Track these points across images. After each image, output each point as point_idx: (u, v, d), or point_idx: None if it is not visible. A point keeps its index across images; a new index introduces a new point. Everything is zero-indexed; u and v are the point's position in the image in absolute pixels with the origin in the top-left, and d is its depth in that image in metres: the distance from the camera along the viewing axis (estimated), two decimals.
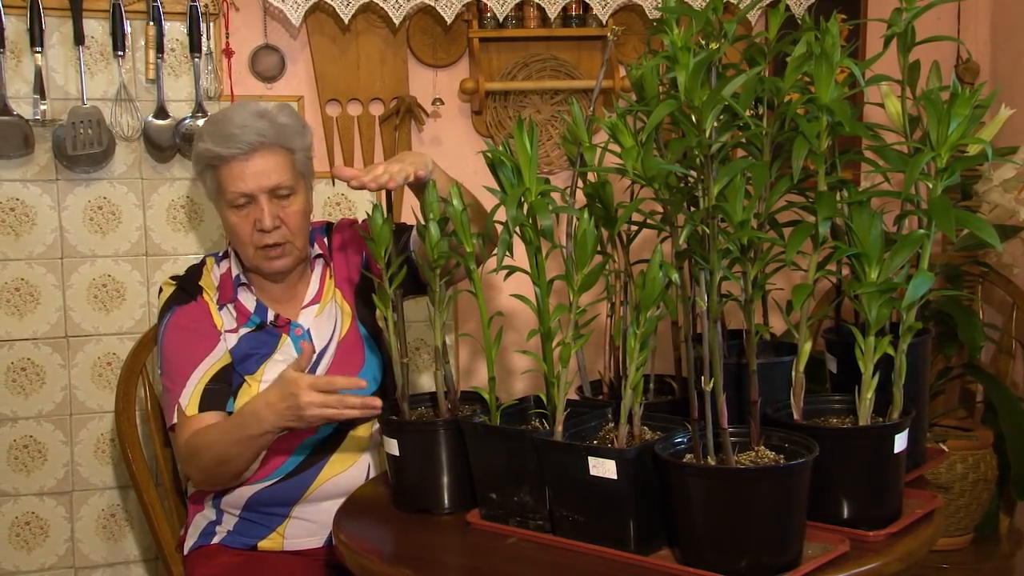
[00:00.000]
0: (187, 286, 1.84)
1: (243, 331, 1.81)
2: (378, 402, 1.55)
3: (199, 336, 1.79)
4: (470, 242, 1.49)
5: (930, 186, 1.31)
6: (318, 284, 1.89)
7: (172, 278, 1.87)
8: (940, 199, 1.27)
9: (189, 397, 1.73)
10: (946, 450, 1.81)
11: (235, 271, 1.85)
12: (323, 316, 1.86)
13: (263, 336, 1.81)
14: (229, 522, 1.82)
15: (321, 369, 1.81)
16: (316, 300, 1.88)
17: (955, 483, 2.14)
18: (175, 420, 1.75)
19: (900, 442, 1.33)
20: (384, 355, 1.89)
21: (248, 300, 1.84)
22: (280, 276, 1.84)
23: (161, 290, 1.86)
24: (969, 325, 2.10)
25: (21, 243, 2.15)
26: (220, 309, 1.82)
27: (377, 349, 1.88)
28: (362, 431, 1.83)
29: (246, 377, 1.78)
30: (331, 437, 1.80)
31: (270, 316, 1.83)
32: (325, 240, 1.93)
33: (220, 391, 1.75)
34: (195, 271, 1.88)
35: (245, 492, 1.78)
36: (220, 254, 1.91)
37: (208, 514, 1.84)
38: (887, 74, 1.47)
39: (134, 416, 2.01)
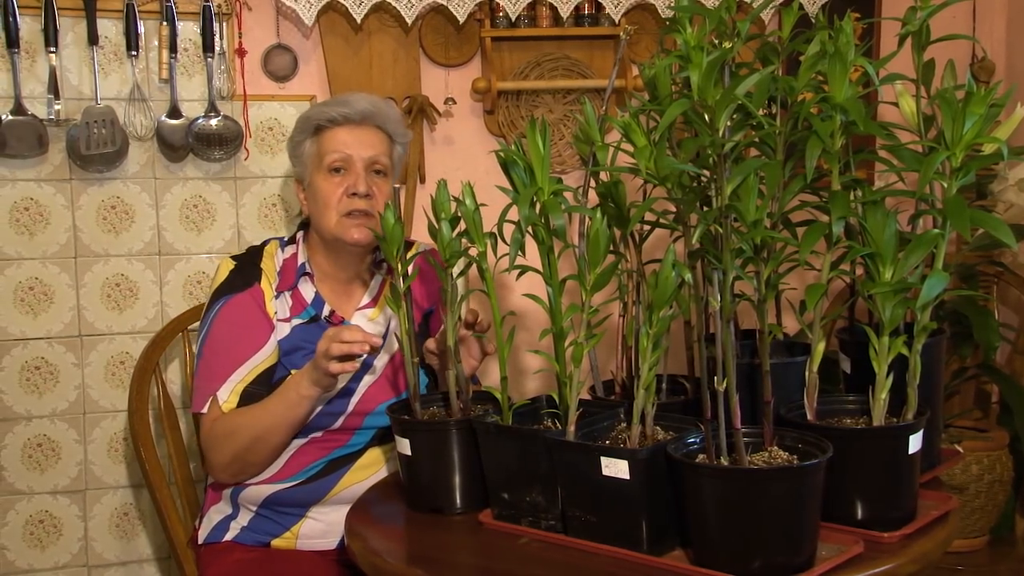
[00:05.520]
0: (246, 269, 1.84)
1: (296, 321, 1.81)
2: (377, 341, 1.62)
3: (248, 333, 1.78)
4: (482, 241, 1.49)
5: (945, 185, 1.30)
6: (377, 288, 1.90)
7: (232, 258, 1.88)
8: (955, 198, 1.27)
9: (228, 393, 1.74)
10: (961, 451, 1.79)
11: (301, 258, 1.86)
12: (376, 322, 1.86)
13: (315, 330, 1.78)
14: (244, 517, 1.82)
15: (367, 378, 1.80)
16: (372, 304, 1.88)
17: (970, 484, 2.13)
18: (205, 410, 1.75)
19: (915, 443, 1.32)
20: (429, 377, 1.87)
21: (307, 291, 1.84)
22: (353, 256, 1.84)
23: (219, 269, 1.86)
24: (984, 325, 2.09)
25: (35, 242, 2.16)
26: (276, 297, 1.82)
27: (423, 369, 1.85)
28: (387, 443, 1.82)
29: (292, 371, 1.76)
30: (356, 450, 1.81)
31: (325, 311, 1.83)
32: None
33: (259, 394, 1.75)
34: (256, 252, 1.88)
35: (265, 490, 1.78)
36: (285, 239, 1.92)
37: (224, 508, 1.84)
38: (901, 73, 1.46)
39: (147, 415, 2.02)
